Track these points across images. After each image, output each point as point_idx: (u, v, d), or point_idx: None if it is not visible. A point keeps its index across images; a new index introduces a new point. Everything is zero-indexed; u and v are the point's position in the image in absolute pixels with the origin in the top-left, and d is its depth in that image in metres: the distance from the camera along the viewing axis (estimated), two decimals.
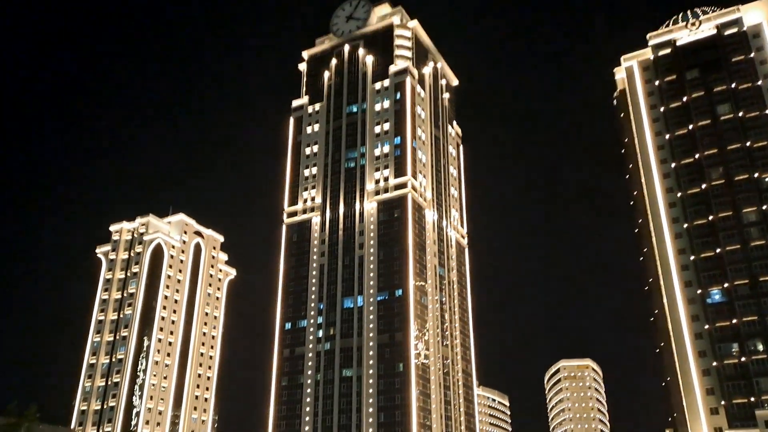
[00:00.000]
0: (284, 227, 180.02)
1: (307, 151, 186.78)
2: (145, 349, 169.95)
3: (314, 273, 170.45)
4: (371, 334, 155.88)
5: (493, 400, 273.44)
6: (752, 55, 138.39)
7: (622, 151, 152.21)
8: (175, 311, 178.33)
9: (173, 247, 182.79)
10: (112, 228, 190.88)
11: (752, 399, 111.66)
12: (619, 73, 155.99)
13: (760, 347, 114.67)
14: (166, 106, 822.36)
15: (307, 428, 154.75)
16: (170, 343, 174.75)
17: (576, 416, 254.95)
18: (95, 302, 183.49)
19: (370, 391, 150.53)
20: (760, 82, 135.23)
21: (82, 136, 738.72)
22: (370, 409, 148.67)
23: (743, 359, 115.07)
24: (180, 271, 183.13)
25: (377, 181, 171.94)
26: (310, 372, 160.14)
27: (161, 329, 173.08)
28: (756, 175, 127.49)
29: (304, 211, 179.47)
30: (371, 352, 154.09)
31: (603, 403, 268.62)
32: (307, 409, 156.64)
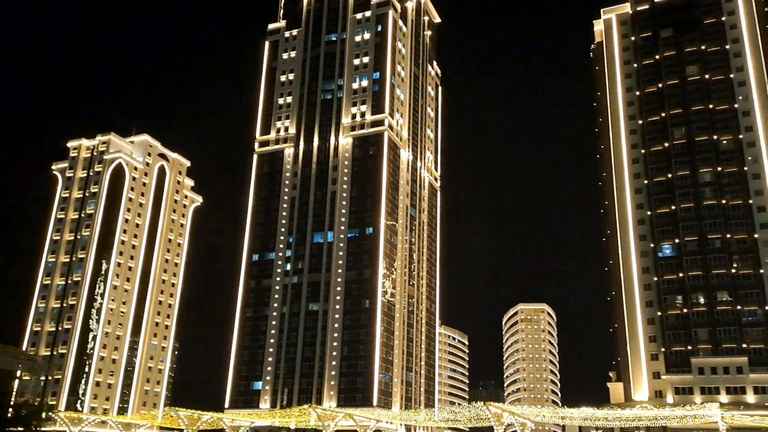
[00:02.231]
0: (255, 157, 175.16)
1: (282, 78, 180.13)
2: (103, 272, 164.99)
3: (285, 206, 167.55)
4: (340, 270, 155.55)
5: (454, 339, 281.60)
6: (723, 18, 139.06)
7: (594, 104, 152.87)
8: (136, 236, 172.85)
9: (136, 168, 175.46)
10: (70, 144, 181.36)
11: (689, 347, 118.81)
12: (598, 26, 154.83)
13: (702, 300, 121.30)
14: (134, 21, 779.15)
15: (270, 359, 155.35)
16: (130, 268, 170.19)
17: (529, 356, 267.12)
18: (50, 221, 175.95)
19: (336, 325, 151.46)
20: (728, 46, 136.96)
21: (42, 46, 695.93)
22: (335, 343, 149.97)
23: (685, 310, 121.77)
24: (142, 194, 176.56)
25: (353, 116, 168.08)
26: (276, 304, 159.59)
27: (121, 253, 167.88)
28: (715, 137, 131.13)
29: (277, 141, 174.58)
30: (339, 288, 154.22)
31: (554, 345, 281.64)
32: (272, 340, 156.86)
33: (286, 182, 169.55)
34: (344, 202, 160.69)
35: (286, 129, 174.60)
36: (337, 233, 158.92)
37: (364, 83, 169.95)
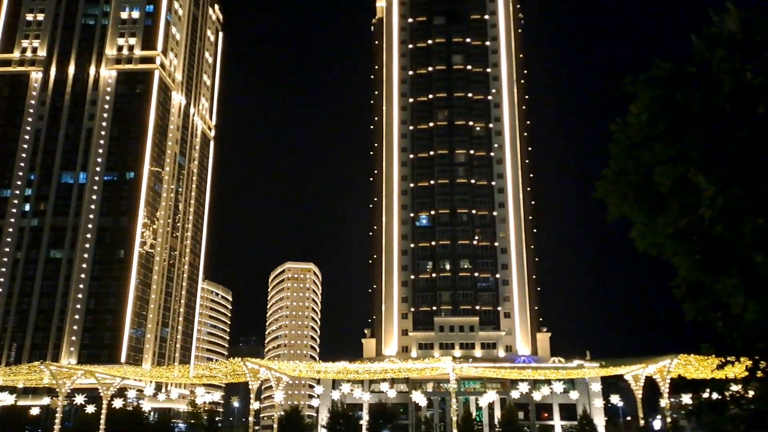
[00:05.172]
0: None
1: None
2: None
3: (27, 137, 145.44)
4: (91, 216, 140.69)
5: (217, 294, 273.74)
6: (486, 16, 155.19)
7: (371, 77, 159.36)
8: None
9: None
10: None
11: (434, 308, 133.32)
12: (380, 2, 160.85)
13: (448, 266, 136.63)
14: None
15: None
16: None
17: (292, 314, 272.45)
18: None
19: (82, 276, 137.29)
20: (488, 43, 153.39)
21: None
22: (80, 295, 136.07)
23: (434, 275, 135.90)
24: None
25: (120, 48, 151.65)
26: (8, 249, 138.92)
27: None
28: (471, 123, 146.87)
29: (22, 63, 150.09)
30: (89, 235, 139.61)
31: (318, 303, 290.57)
32: (0, 290, 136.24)
33: (31, 111, 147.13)
34: (102, 141, 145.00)
35: (35, 50, 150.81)
36: (91, 174, 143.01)
37: (135, 14, 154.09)
